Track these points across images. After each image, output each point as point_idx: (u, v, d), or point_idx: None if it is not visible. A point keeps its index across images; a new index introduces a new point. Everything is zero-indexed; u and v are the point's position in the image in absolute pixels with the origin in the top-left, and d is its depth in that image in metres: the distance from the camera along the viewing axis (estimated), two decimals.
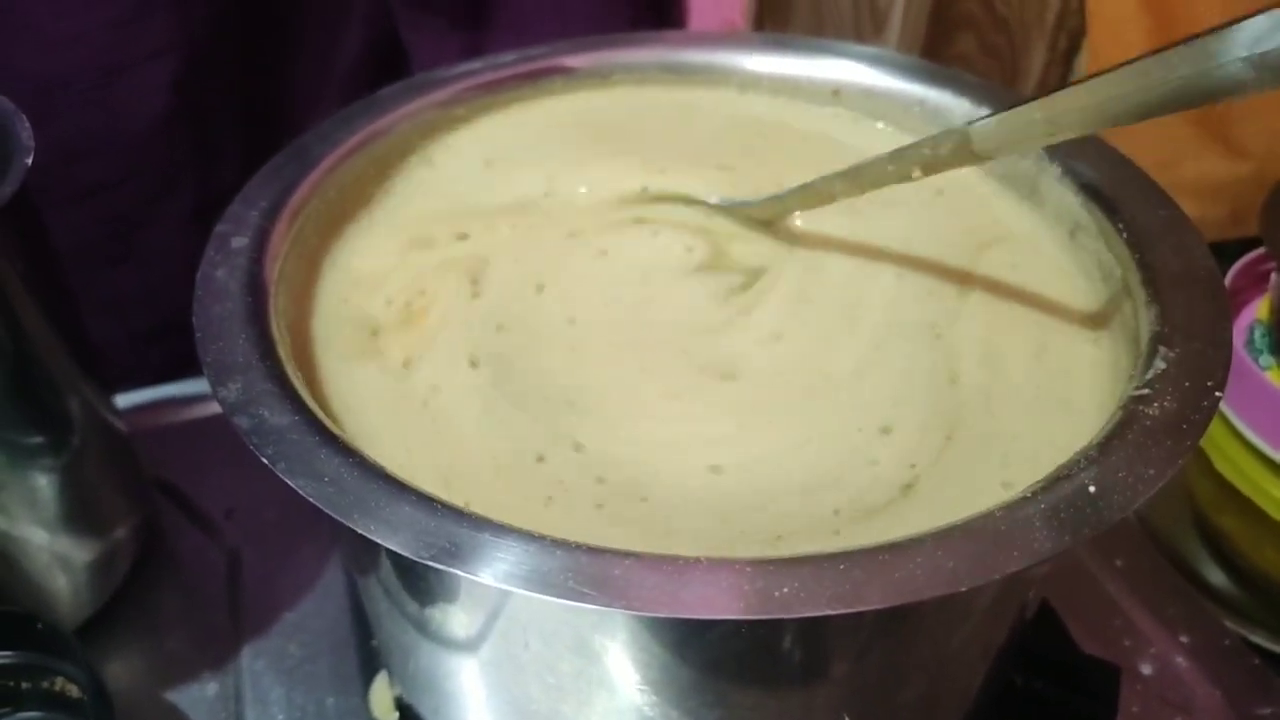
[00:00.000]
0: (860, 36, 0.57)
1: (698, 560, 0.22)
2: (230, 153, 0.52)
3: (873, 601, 0.21)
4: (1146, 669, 0.41)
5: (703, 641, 0.26)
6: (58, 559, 0.39)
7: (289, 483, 0.24)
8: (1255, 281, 0.51)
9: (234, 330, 0.29)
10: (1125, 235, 0.31)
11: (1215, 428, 0.48)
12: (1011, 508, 0.23)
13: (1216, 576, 0.49)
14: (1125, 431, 0.25)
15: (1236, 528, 0.49)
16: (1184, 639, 0.42)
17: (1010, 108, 0.28)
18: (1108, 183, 0.33)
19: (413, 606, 0.30)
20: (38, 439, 0.36)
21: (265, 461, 0.25)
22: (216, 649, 0.41)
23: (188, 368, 0.51)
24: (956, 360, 0.32)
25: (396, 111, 0.39)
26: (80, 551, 0.39)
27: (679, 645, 0.26)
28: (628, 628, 0.25)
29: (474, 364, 0.32)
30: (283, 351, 0.29)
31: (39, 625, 0.34)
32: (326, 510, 0.24)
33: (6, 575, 0.37)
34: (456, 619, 0.29)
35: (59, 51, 0.46)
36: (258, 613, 0.42)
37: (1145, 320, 0.28)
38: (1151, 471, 0.24)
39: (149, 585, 0.43)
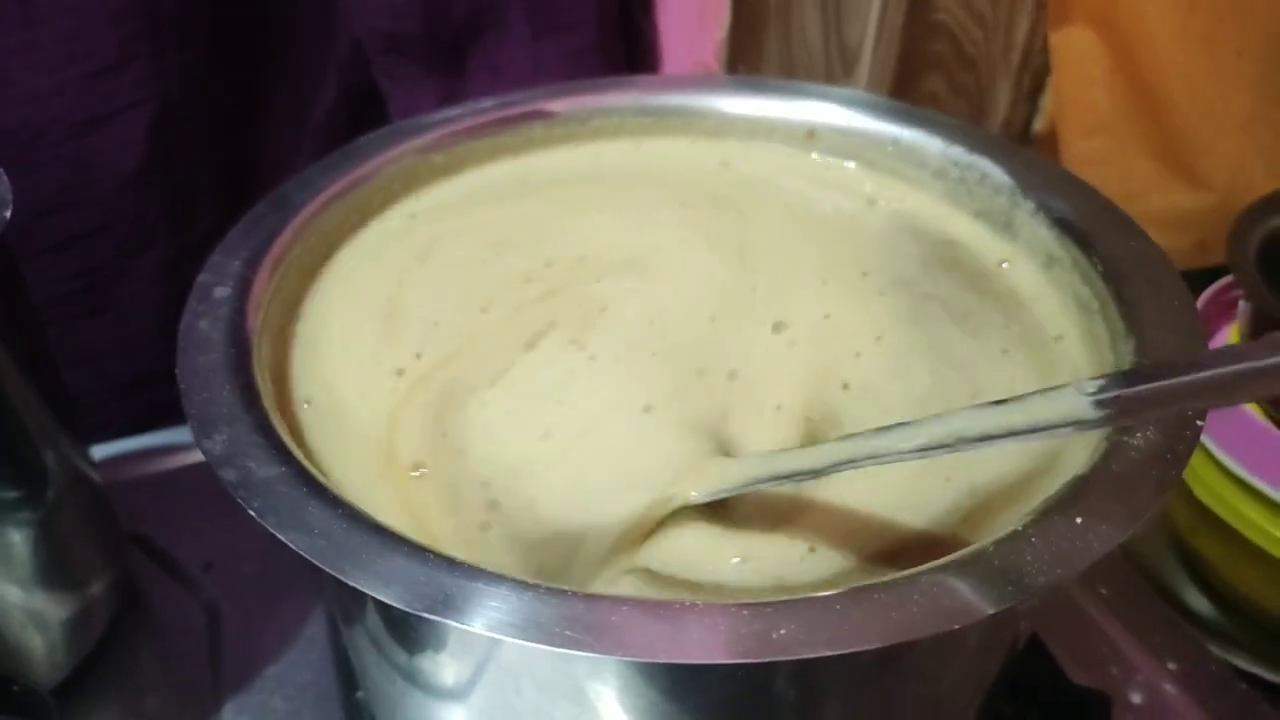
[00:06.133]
0: (831, 77, 0.58)
1: (693, 604, 0.22)
2: (206, 203, 0.52)
3: (872, 641, 0.21)
4: (1136, 697, 0.41)
5: (698, 686, 0.26)
6: (32, 617, 0.38)
7: (279, 536, 0.24)
8: (1224, 309, 0.52)
9: (218, 381, 0.29)
10: (1100, 269, 0.32)
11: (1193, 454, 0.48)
12: (1003, 543, 0.23)
13: (1197, 601, 0.50)
14: (1110, 463, 0.25)
15: (1215, 552, 0.50)
16: (1171, 666, 0.42)
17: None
18: (1080, 216, 0.34)
19: (402, 657, 0.30)
20: (12, 494, 0.35)
21: (254, 515, 0.25)
22: (197, 706, 0.40)
23: (164, 417, 0.50)
24: None
25: (377, 158, 0.39)
26: (56, 609, 0.38)
27: (674, 690, 0.26)
28: (623, 673, 0.25)
29: None
30: (267, 402, 0.29)
31: (14, 687, 0.34)
32: (318, 564, 0.23)
33: None
34: (447, 669, 0.28)
35: (36, 104, 0.46)
36: (239, 667, 0.41)
37: (1124, 353, 0.29)
38: (1138, 503, 0.24)
39: (127, 642, 0.42)
